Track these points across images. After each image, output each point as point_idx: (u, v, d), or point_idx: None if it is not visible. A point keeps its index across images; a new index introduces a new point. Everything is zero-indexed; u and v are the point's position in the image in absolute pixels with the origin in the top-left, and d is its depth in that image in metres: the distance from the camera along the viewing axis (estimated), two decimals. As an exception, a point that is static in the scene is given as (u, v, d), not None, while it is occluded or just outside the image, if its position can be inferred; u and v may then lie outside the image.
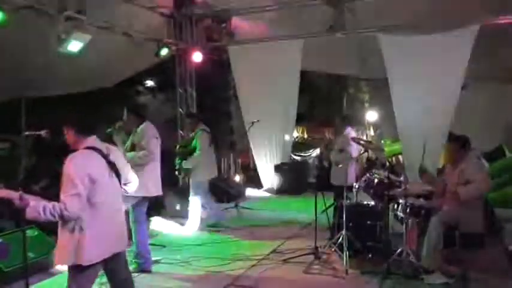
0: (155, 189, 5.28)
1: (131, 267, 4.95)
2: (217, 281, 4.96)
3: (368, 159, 10.01)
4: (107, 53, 7.55)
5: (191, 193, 6.99)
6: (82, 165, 3.07)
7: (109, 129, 5.43)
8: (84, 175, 3.04)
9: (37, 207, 2.94)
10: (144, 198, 5.16)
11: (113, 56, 7.82)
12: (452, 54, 7.03)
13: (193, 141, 6.90)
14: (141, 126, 5.31)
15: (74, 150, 3.24)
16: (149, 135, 5.23)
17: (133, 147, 5.23)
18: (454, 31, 6.96)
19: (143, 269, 5.17)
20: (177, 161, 7.03)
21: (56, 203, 2.96)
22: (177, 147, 7.31)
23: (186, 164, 6.88)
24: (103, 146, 3.32)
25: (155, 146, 5.24)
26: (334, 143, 6.94)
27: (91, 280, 3.24)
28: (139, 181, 4.88)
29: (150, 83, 13.48)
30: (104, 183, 3.16)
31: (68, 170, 3.04)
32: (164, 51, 8.29)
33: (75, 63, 6.59)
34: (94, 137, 3.31)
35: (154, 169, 5.28)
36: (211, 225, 7.19)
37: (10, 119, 8.03)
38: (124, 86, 10.91)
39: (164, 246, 6.20)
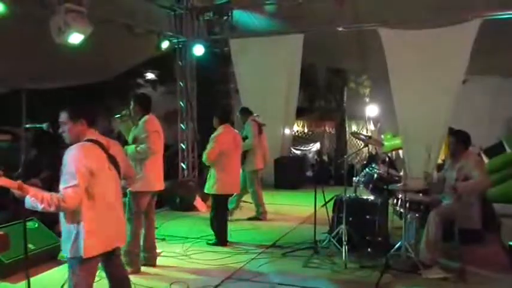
0: (158, 183, 5.17)
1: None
2: (216, 274, 4.96)
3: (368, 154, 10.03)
4: (108, 46, 7.53)
5: (248, 184, 7.34)
6: (81, 157, 3.07)
7: (116, 116, 5.40)
8: (83, 167, 3.03)
9: (35, 197, 2.92)
10: (147, 192, 5.06)
11: (113, 49, 7.81)
12: (454, 48, 7.02)
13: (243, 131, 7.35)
14: (143, 119, 5.13)
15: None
16: (149, 129, 5.04)
17: (135, 140, 5.10)
18: (456, 25, 6.95)
19: (147, 262, 5.13)
20: None
21: (54, 194, 2.94)
22: None
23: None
24: (103, 139, 3.32)
25: (155, 140, 5.05)
26: None
27: (91, 273, 3.21)
28: (141, 176, 4.91)
29: (150, 75, 13.45)
30: (103, 176, 3.16)
31: (68, 161, 3.04)
32: (165, 44, 8.27)
33: (75, 55, 6.56)
34: (94, 129, 3.31)
35: (155, 163, 5.14)
36: None
37: (11, 111, 8.04)
38: (124, 79, 10.91)
39: (164, 239, 6.21)
